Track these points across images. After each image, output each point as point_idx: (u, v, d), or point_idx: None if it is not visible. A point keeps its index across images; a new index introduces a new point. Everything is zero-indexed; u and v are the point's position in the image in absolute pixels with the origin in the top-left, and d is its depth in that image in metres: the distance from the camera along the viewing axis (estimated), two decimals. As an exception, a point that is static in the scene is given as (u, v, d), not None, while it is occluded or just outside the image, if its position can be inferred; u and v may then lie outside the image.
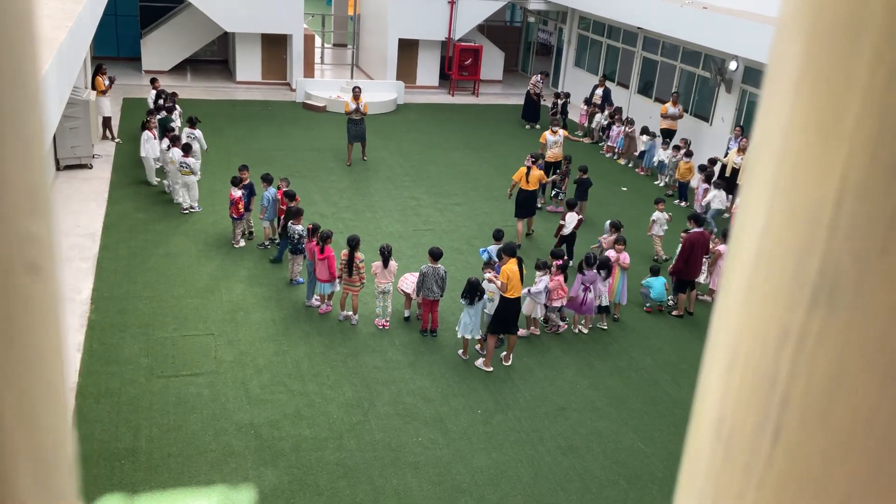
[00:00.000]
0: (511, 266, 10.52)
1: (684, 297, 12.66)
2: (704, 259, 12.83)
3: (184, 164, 14.30)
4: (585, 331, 11.89)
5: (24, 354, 0.41)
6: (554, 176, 16.38)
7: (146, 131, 15.34)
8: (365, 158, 18.59)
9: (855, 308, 0.42)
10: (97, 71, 17.76)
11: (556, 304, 11.54)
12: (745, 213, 0.48)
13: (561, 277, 11.47)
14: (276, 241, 13.41)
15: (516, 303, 10.60)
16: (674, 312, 12.70)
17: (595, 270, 11.67)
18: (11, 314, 0.41)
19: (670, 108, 19.75)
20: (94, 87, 17.59)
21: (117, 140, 18.05)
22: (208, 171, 16.39)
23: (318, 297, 11.79)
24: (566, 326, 11.83)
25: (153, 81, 18.36)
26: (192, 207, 14.67)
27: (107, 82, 17.62)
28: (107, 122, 17.92)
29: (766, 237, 0.46)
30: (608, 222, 13.05)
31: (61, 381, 0.44)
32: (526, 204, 14.46)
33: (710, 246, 12.84)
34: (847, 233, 0.42)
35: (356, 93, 17.95)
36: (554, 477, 8.89)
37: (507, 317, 10.57)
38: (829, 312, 0.43)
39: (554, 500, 8.56)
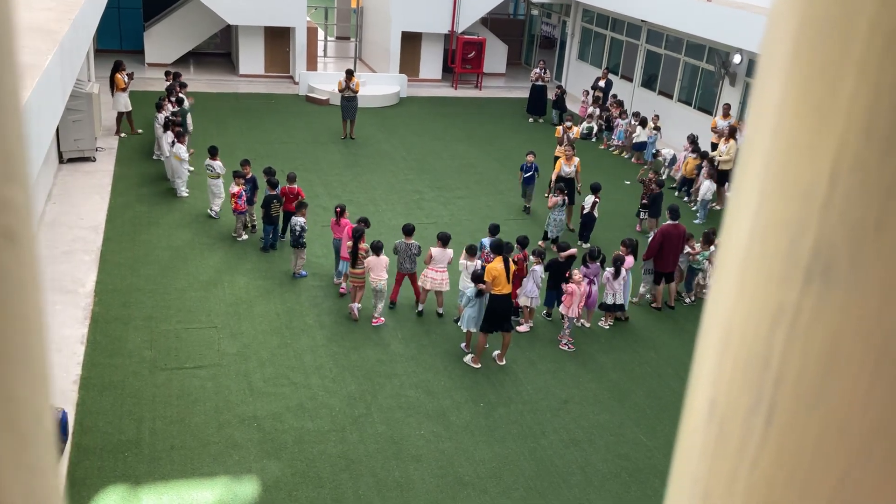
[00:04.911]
0: (496, 264, 10.46)
1: (661, 289, 12.64)
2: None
3: (209, 168, 14.13)
4: (588, 325, 11.88)
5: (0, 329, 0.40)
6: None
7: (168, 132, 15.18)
8: (353, 137, 19.60)
9: (849, 285, 0.42)
10: (116, 68, 17.73)
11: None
12: (740, 191, 0.48)
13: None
14: (253, 226, 13.73)
15: (505, 300, 10.52)
16: (653, 305, 12.72)
17: (598, 264, 11.66)
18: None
19: (720, 121, 17.65)
20: (112, 84, 17.61)
21: (139, 131, 18.08)
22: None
23: (343, 276, 11.99)
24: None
25: (177, 77, 18.20)
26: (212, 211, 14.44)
27: (126, 79, 17.65)
28: (124, 116, 17.89)
29: (760, 215, 0.45)
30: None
31: (42, 359, 0.42)
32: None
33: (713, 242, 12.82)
34: (841, 209, 0.41)
35: (348, 74, 19.43)
36: (556, 470, 8.90)
37: (496, 314, 10.48)
38: (823, 290, 0.43)
39: (556, 492, 8.57)
